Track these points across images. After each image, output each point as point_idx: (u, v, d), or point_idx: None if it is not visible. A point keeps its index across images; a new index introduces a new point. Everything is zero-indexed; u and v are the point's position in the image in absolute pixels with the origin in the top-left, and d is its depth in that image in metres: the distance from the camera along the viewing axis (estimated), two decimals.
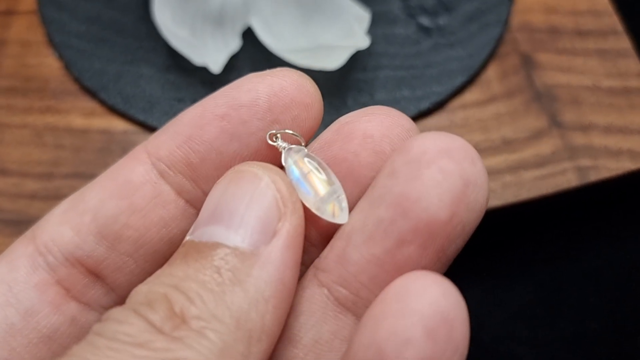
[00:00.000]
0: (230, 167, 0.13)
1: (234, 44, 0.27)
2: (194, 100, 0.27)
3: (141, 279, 0.13)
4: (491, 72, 0.29)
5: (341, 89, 0.27)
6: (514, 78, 0.29)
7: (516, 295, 0.28)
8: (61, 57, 0.29)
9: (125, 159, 0.14)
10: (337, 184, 0.13)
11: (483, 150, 0.27)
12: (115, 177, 0.14)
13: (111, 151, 0.27)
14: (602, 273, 0.28)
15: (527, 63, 0.29)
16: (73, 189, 0.26)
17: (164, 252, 0.14)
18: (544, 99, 0.28)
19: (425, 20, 0.30)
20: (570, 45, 0.30)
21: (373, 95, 0.27)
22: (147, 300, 0.11)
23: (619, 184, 0.27)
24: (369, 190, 0.13)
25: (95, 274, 0.14)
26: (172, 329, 0.11)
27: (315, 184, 0.13)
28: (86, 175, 0.26)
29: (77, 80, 0.28)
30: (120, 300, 0.13)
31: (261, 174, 0.13)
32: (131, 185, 0.14)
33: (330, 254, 0.13)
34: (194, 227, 0.13)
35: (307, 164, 0.13)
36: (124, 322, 0.11)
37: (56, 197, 0.26)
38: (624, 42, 0.30)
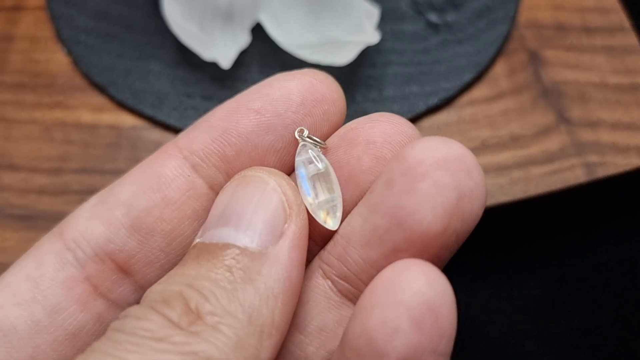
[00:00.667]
0: (265, 160, 0.14)
1: (243, 40, 0.27)
2: (203, 96, 0.27)
3: None
4: (499, 68, 0.29)
5: (350, 84, 0.28)
6: (522, 74, 0.29)
7: (524, 291, 0.28)
8: (70, 52, 0.29)
9: (155, 154, 0.15)
10: (337, 192, 0.14)
11: (491, 146, 0.27)
12: (146, 171, 0.14)
13: (120, 146, 0.27)
14: (610, 268, 0.28)
15: (535, 59, 0.29)
16: (82, 184, 0.26)
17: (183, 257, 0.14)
18: (551, 96, 0.28)
19: (433, 17, 0.30)
20: (577, 41, 0.30)
21: (382, 91, 0.28)
22: (163, 298, 0.12)
23: (626, 180, 0.27)
24: (368, 195, 0.13)
25: (124, 269, 0.14)
26: (189, 324, 0.11)
27: (317, 187, 0.14)
28: (95, 171, 0.26)
29: (86, 76, 0.28)
30: None
31: (267, 178, 0.13)
32: (164, 179, 0.14)
33: (333, 251, 0.14)
34: (202, 230, 0.13)
35: (314, 166, 0.14)
36: (142, 319, 0.11)
37: (65, 193, 0.26)
38: (631, 39, 0.30)
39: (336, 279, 0.13)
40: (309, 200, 0.14)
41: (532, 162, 0.26)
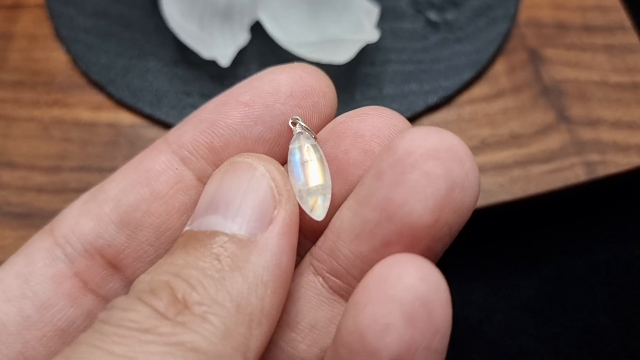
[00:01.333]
0: (254, 150, 0.14)
1: (243, 38, 0.27)
2: (202, 94, 0.27)
3: None
4: (499, 67, 0.29)
5: (349, 83, 0.27)
6: (522, 73, 0.29)
7: (523, 290, 0.28)
8: (68, 51, 0.29)
9: (145, 150, 0.15)
10: (329, 182, 0.14)
11: (491, 144, 0.27)
12: (136, 167, 0.14)
13: (118, 144, 0.27)
14: (610, 267, 0.28)
15: (535, 58, 0.29)
16: (80, 182, 0.26)
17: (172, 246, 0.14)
18: (551, 94, 0.28)
19: (433, 15, 0.30)
20: (578, 40, 0.30)
21: (381, 89, 0.27)
22: (150, 288, 0.11)
23: (627, 178, 0.27)
24: (357, 188, 0.13)
25: (114, 264, 0.14)
26: (176, 314, 0.11)
27: (309, 174, 0.13)
28: (93, 169, 0.26)
29: (85, 74, 0.28)
30: None
31: (256, 164, 0.13)
32: (152, 173, 0.14)
33: (323, 246, 0.13)
34: (192, 218, 0.13)
35: (309, 154, 0.14)
36: (129, 310, 0.11)
37: (63, 191, 0.26)
38: (632, 38, 0.29)
39: (327, 275, 0.13)
40: (299, 186, 0.13)
41: (532, 161, 0.26)
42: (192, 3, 0.27)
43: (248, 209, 0.12)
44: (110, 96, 0.28)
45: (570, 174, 0.26)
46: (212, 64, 0.27)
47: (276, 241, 0.12)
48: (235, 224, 0.12)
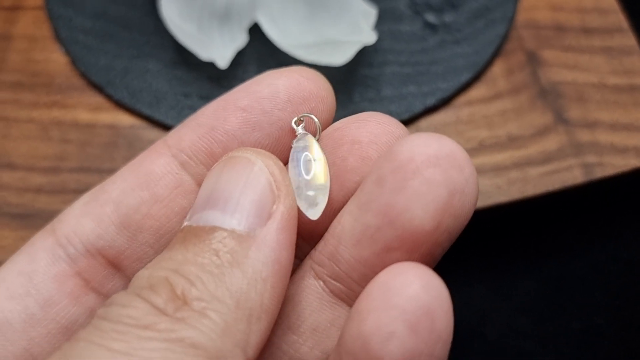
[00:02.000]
0: None
1: (241, 40, 0.27)
2: (201, 96, 0.27)
3: None
4: (497, 68, 0.29)
5: (347, 84, 0.28)
6: (520, 75, 0.29)
7: (522, 291, 0.28)
8: (68, 52, 0.29)
9: (145, 152, 0.15)
10: (328, 184, 0.14)
11: (489, 146, 0.27)
12: (136, 169, 0.14)
13: (117, 146, 0.27)
14: (608, 269, 0.28)
15: (533, 60, 0.29)
16: (79, 184, 0.26)
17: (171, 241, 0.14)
18: (549, 96, 0.28)
19: (431, 17, 0.30)
20: (575, 42, 0.30)
21: (379, 91, 0.27)
22: (149, 284, 0.11)
23: (624, 180, 0.27)
24: (358, 193, 0.13)
25: (115, 265, 0.14)
26: (175, 310, 0.11)
27: (311, 172, 0.14)
28: (92, 170, 0.26)
29: (84, 76, 0.28)
30: None
31: (254, 159, 0.13)
32: (153, 176, 0.14)
33: (324, 250, 0.13)
34: (190, 213, 0.13)
35: (315, 153, 0.14)
36: (127, 306, 0.11)
37: (62, 192, 0.26)
38: (630, 40, 0.30)
39: (328, 279, 0.13)
40: (298, 182, 0.13)
41: (529, 163, 0.26)
42: (190, 4, 0.27)
43: (247, 204, 0.12)
44: (109, 97, 0.28)
45: (568, 175, 0.26)
46: (211, 65, 0.27)
47: (275, 236, 0.12)
48: (234, 220, 0.12)
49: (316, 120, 0.14)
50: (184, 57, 0.28)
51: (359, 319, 0.12)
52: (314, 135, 0.14)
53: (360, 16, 0.26)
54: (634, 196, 0.29)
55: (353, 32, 0.26)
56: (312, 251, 0.14)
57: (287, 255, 0.12)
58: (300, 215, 0.13)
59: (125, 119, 0.27)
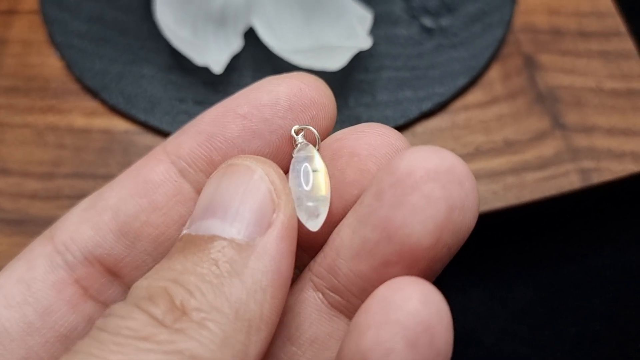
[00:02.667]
0: None
1: (236, 44, 0.27)
2: (196, 101, 0.27)
3: None
4: (494, 73, 0.29)
5: (343, 89, 0.27)
6: (517, 79, 0.28)
7: (518, 296, 0.27)
8: (63, 57, 0.29)
9: (144, 159, 0.14)
10: (328, 195, 0.14)
11: (485, 151, 0.27)
12: (135, 176, 0.14)
13: (112, 151, 0.27)
14: (605, 274, 0.28)
15: (530, 64, 0.29)
16: (74, 189, 0.26)
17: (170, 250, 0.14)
18: (546, 101, 0.28)
19: (427, 21, 0.30)
20: (573, 46, 0.29)
21: (375, 96, 0.27)
22: (148, 294, 0.11)
23: (621, 186, 0.27)
24: (357, 206, 0.13)
25: (113, 272, 0.14)
26: (174, 321, 0.11)
27: (312, 183, 0.13)
28: (87, 175, 0.26)
29: (79, 80, 0.28)
30: None
31: (254, 167, 0.13)
32: (151, 184, 0.14)
33: (323, 262, 0.13)
34: (190, 221, 0.13)
35: (316, 164, 0.14)
36: (126, 317, 0.11)
37: (57, 197, 0.26)
38: (627, 44, 0.29)
39: (327, 291, 0.13)
40: (298, 193, 0.13)
41: (526, 168, 0.26)
42: (185, 9, 0.27)
43: (246, 213, 0.12)
44: (104, 102, 0.28)
45: (565, 181, 0.26)
46: (206, 70, 0.27)
47: (275, 245, 0.12)
48: (234, 228, 0.12)
49: (315, 132, 0.14)
50: (179, 62, 0.28)
51: (358, 334, 0.11)
52: (314, 146, 0.14)
53: (356, 21, 0.26)
54: (631, 202, 0.29)
55: (348, 36, 0.26)
56: (312, 262, 0.14)
57: (287, 264, 0.12)
58: (300, 226, 0.13)
59: (120, 124, 0.27)
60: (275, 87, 0.14)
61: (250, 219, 0.12)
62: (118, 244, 0.14)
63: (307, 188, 0.13)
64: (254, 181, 0.13)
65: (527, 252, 0.29)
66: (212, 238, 0.12)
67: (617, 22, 0.30)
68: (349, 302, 0.13)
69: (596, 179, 0.26)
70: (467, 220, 0.12)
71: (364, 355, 0.11)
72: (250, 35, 0.28)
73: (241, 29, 0.27)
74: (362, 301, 0.13)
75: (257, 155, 0.14)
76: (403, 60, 0.28)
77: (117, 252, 0.14)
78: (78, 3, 0.30)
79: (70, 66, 0.28)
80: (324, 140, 0.14)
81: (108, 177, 0.26)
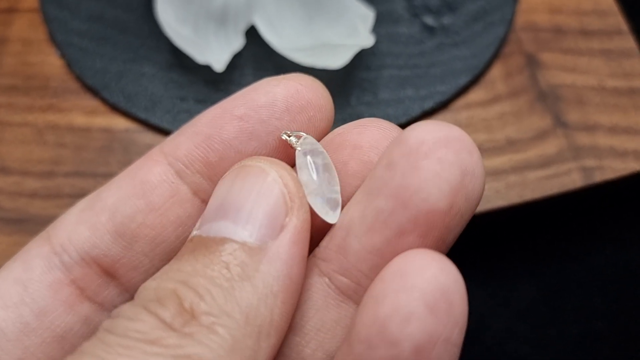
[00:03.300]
0: None
1: (237, 43, 0.27)
2: (197, 99, 0.27)
3: None
4: (495, 71, 0.29)
5: (345, 88, 0.27)
6: (519, 78, 0.28)
7: (520, 295, 0.27)
8: (63, 55, 0.29)
9: (141, 160, 0.14)
10: (339, 186, 0.13)
11: (487, 150, 0.27)
12: (132, 177, 0.14)
13: (113, 150, 0.26)
14: (607, 273, 0.28)
15: (532, 63, 0.29)
16: (74, 188, 0.26)
17: (179, 251, 0.14)
18: (548, 99, 0.28)
19: (429, 20, 0.29)
20: (574, 45, 0.29)
21: (377, 94, 0.27)
22: (157, 296, 0.11)
23: (624, 184, 0.27)
24: (366, 182, 0.13)
25: (110, 273, 0.14)
26: (183, 324, 0.11)
27: (321, 176, 0.13)
28: (87, 174, 0.26)
29: (79, 79, 0.28)
30: None
31: (268, 169, 0.13)
32: (148, 185, 0.14)
33: (331, 244, 0.13)
34: (200, 222, 0.13)
35: (320, 157, 0.14)
36: (134, 319, 0.11)
37: (57, 196, 0.26)
38: (629, 42, 0.29)
39: (334, 274, 0.13)
40: (311, 188, 0.13)
41: (528, 167, 0.26)
42: (186, 7, 0.27)
43: (259, 215, 0.12)
44: (104, 101, 0.28)
45: (567, 179, 0.26)
46: (207, 68, 0.27)
47: (287, 250, 0.12)
48: (246, 231, 0.12)
49: (302, 134, 0.14)
50: (179, 61, 0.28)
51: (375, 303, 0.11)
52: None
53: (358, 19, 0.26)
54: (633, 200, 0.29)
55: (350, 35, 0.26)
56: (316, 249, 0.14)
57: (298, 269, 0.12)
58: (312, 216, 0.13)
59: (120, 123, 0.27)
60: (273, 89, 0.14)
61: (263, 222, 0.12)
62: (115, 245, 0.14)
63: (319, 181, 0.13)
64: (267, 183, 0.12)
65: (529, 251, 0.28)
66: (224, 240, 0.12)
67: (618, 20, 0.30)
68: (358, 284, 0.13)
69: (598, 177, 0.26)
70: (478, 188, 0.12)
71: (383, 322, 0.11)
72: (252, 34, 0.28)
73: (242, 27, 0.27)
74: (373, 281, 0.12)
75: (255, 155, 0.14)
76: (405, 59, 0.28)
77: (114, 253, 0.14)
78: (78, 1, 0.30)
79: (70, 65, 0.28)
80: (326, 136, 0.14)
81: (108, 176, 0.26)
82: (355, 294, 0.13)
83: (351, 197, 0.13)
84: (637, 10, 0.32)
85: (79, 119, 0.27)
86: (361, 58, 0.28)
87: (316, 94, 0.14)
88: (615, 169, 0.26)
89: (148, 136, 0.27)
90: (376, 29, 0.28)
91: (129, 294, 0.14)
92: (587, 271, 0.28)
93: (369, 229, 0.12)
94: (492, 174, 0.26)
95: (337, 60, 0.25)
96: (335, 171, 0.14)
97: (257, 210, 0.12)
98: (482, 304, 0.27)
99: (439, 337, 0.11)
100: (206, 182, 0.14)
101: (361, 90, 0.27)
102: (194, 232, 0.13)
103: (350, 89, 0.27)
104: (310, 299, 0.13)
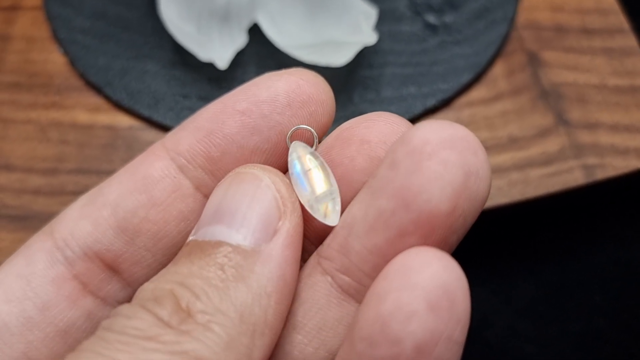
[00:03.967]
0: (251, 160, 0.14)
1: (240, 40, 0.27)
2: (200, 97, 0.27)
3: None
4: (497, 69, 0.29)
5: (347, 85, 0.27)
6: (521, 76, 0.28)
7: (522, 293, 0.27)
8: (66, 52, 0.29)
9: (143, 155, 0.14)
10: (335, 186, 0.14)
11: (489, 148, 0.27)
12: (134, 172, 0.14)
13: (116, 147, 0.27)
14: (608, 271, 0.28)
15: (534, 61, 0.29)
16: (77, 185, 0.26)
17: (182, 245, 0.14)
18: (550, 97, 0.28)
19: (431, 18, 0.30)
20: (576, 43, 0.30)
21: (379, 92, 0.27)
22: (154, 296, 0.11)
23: (625, 182, 0.27)
24: (370, 181, 0.13)
25: (112, 268, 0.14)
26: (179, 322, 0.11)
27: (313, 182, 0.13)
28: (91, 171, 0.26)
29: (82, 76, 0.28)
30: None
31: (261, 175, 0.13)
32: (150, 180, 0.14)
33: (333, 243, 0.13)
34: (196, 228, 0.13)
35: (309, 162, 0.14)
36: (132, 317, 0.11)
37: (60, 193, 0.26)
38: (631, 41, 0.29)
39: (337, 273, 0.13)
40: (307, 196, 0.13)
41: (530, 164, 0.26)
42: (189, 5, 0.27)
43: (253, 220, 0.12)
44: (107, 98, 0.28)
45: (569, 177, 0.26)
46: (210, 66, 0.27)
47: (280, 252, 0.12)
48: (240, 234, 0.12)
49: (312, 130, 0.14)
50: (183, 58, 0.28)
51: (377, 301, 0.11)
52: (311, 145, 0.14)
53: (361, 17, 0.26)
54: (635, 198, 0.29)
55: (353, 32, 0.26)
56: (320, 247, 0.14)
57: (292, 271, 0.12)
58: (311, 220, 0.13)
59: (123, 120, 0.27)
60: (274, 83, 0.14)
61: (257, 226, 0.12)
62: (117, 240, 0.14)
63: (311, 187, 0.13)
64: (260, 189, 0.13)
65: (531, 249, 0.29)
66: (219, 243, 0.12)
67: (620, 19, 0.30)
68: (361, 283, 0.13)
69: (600, 175, 0.26)
70: (482, 189, 0.12)
71: (384, 320, 0.11)
72: (255, 31, 0.28)
73: (245, 24, 0.27)
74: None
75: (256, 151, 0.14)
76: (407, 57, 0.28)
77: (116, 247, 0.14)
78: None
79: (73, 62, 0.28)
80: (334, 131, 0.14)
81: (111, 173, 0.26)
82: (357, 292, 0.13)
83: (357, 194, 0.13)
84: (638, 9, 0.32)
85: (82, 116, 0.27)
86: (364, 56, 0.28)
87: (317, 88, 0.14)
88: (616, 166, 0.26)
89: (151, 133, 0.27)
90: (379, 27, 0.28)
91: (132, 288, 0.14)
92: (589, 269, 0.28)
93: (371, 229, 0.12)
94: (494, 171, 0.26)
95: (339, 57, 0.26)
96: (329, 170, 0.14)
97: (251, 214, 0.12)
98: (484, 302, 0.27)
99: (441, 335, 0.11)
100: (208, 177, 0.14)
101: (364, 88, 0.27)
102: (191, 238, 0.13)
103: (353, 86, 0.27)
104: (312, 297, 0.13)
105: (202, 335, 0.11)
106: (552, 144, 0.27)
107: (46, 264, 0.14)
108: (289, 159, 0.14)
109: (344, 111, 0.27)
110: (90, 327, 0.14)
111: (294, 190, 0.13)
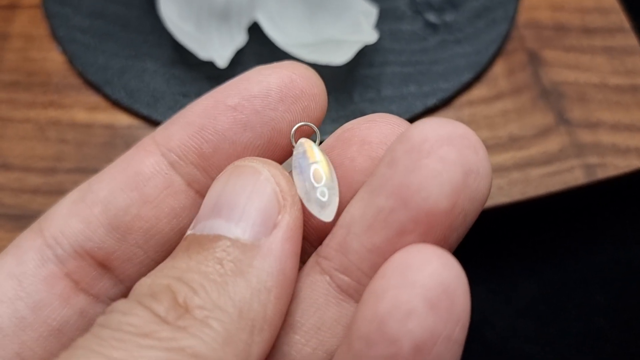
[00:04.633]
0: (243, 157, 0.14)
1: (240, 39, 0.27)
2: (199, 95, 0.27)
3: (150, 270, 0.13)
4: (498, 68, 0.29)
5: (348, 84, 0.27)
6: (521, 75, 0.28)
7: (523, 293, 0.27)
8: (65, 51, 0.29)
9: (133, 150, 0.14)
10: (335, 183, 0.13)
11: (490, 147, 0.26)
12: (125, 168, 0.14)
13: (115, 146, 0.26)
14: (609, 270, 0.28)
15: (534, 60, 0.29)
16: (76, 184, 0.26)
17: (174, 242, 0.14)
18: (551, 96, 0.28)
19: (432, 17, 0.29)
20: (577, 42, 0.29)
21: (379, 91, 0.27)
22: (151, 291, 0.11)
23: (626, 181, 0.27)
24: (369, 180, 0.13)
25: (104, 265, 0.14)
26: (176, 318, 0.11)
27: (315, 176, 0.13)
28: (89, 170, 0.26)
29: (81, 75, 0.28)
30: (129, 292, 0.13)
31: (260, 168, 0.13)
32: (142, 177, 0.14)
33: (332, 242, 0.13)
34: (195, 222, 0.13)
35: (315, 156, 0.13)
36: (128, 313, 0.11)
37: (59, 192, 0.25)
38: (631, 40, 0.29)
39: (335, 273, 0.13)
40: (305, 188, 0.13)
41: (531, 164, 0.26)
42: (189, 4, 0.27)
43: (252, 213, 0.12)
44: (106, 97, 0.27)
45: (570, 176, 0.26)
46: (210, 65, 0.27)
47: (280, 246, 0.12)
48: (239, 228, 0.12)
49: (315, 128, 0.14)
50: (182, 57, 0.28)
51: (374, 299, 0.11)
52: (314, 140, 0.14)
53: (361, 15, 0.26)
54: (635, 197, 0.29)
55: (353, 31, 0.26)
56: (319, 247, 0.14)
57: (291, 266, 0.12)
58: (308, 219, 0.13)
59: (122, 119, 0.27)
60: (266, 78, 0.14)
61: (256, 219, 0.12)
62: (109, 238, 0.14)
63: (312, 180, 0.13)
64: (260, 182, 0.12)
65: (532, 248, 0.28)
66: (217, 237, 0.12)
67: (620, 18, 0.30)
68: (359, 282, 0.13)
69: (601, 174, 0.26)
70: (483, 187, 0.12)
71: (382, 319, 0.11)
72: (254, 30, 0.28)
73: (245, 23, 0.27)
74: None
75: (250, 147, 0.14)
76: (407, 56, 0.28)
77: (107, 245, 0.14)
78: None
79: (72, 61, 0.28)
80: (335, 131, 0.14)
81: None
82: (356, 292, 0.13)
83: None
84: (638, 8, 0.32)
85: (81, 115, 0.27)
86: (364, 55, 0.28)
87: (310, 82, 0.14)
88: (617, 166, 0.26)
89: (150, 132, 0.27)
90: (379, 25, 0.28)
91: (124, 285, 0.14)
92: (589, 268, 0.28)
93: (369, 227, 0.12)
94: (495, 170, 0.26)
95: (340, 56, 0.25)
96: (329, 167, 0.13)
97: (250, 208, 0.12)
98: (484, 302, 0.27)
99: (440, 334, 0.11)
100: (200, 173, 0.14)
101: (364, 87, 0.27)
102: (189, 232, 0.13)
103: (353, 85, 0.27)
104: (310, 297, 0.13)
105: (199, 332, 0.11)
106: (552, 143, 0.27)
107: (37, 262, 0.13)
108: (296, 151, 0.14)
109: (344, 110, 0.27)
110: (84, 325, 0.14)
111: (294, 184, 0.13)
